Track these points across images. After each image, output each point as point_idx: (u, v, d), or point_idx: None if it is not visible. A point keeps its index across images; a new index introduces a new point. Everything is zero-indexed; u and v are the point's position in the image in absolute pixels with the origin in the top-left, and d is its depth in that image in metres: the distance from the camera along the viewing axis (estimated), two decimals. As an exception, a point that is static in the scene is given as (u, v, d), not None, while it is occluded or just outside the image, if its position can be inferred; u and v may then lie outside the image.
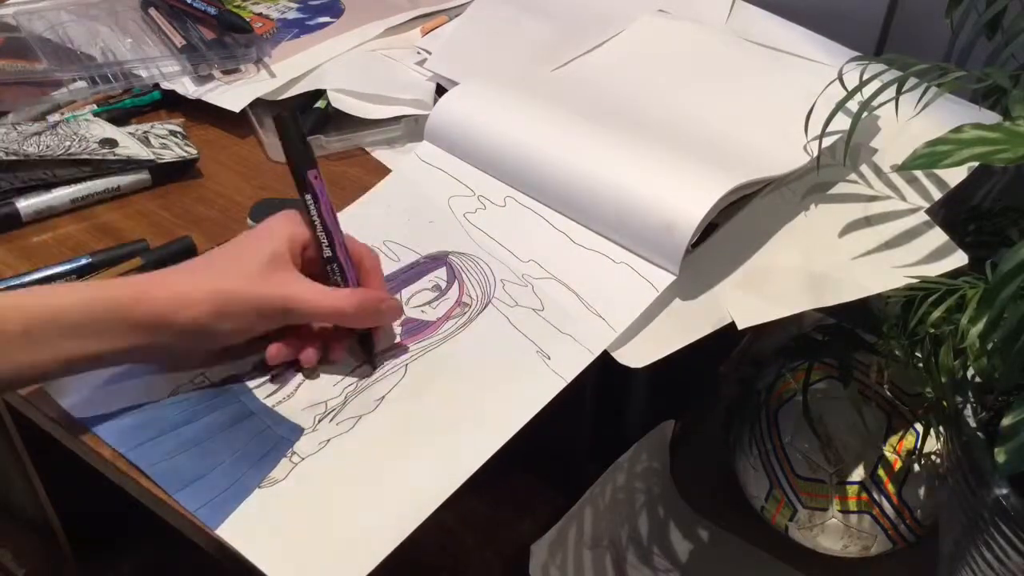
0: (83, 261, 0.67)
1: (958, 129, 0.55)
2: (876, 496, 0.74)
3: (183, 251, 0.69)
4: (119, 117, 0.83)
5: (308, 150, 0.60)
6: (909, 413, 0.75)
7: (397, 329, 0.62)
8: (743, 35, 0.84)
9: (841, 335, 0.72)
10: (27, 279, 0.66)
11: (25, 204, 0.72)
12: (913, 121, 0.69)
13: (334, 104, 0.83)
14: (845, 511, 0.74)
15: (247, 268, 0.55)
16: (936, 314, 0.56)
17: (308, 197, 0.59)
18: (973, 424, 0.57)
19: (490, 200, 0.70)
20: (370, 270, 0.60)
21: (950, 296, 0.57)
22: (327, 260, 0.59)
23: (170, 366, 0.59)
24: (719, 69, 0.81)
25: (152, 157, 0.76)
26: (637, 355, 0.60)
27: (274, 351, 0.58)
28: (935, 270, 0.61)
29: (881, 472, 0.74)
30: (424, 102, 0.83)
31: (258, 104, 0.84)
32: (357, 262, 0.60)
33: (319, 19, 0.96)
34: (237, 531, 0.51)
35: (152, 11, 0.93)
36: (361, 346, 0.60)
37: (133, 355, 0.55)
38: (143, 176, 0.76)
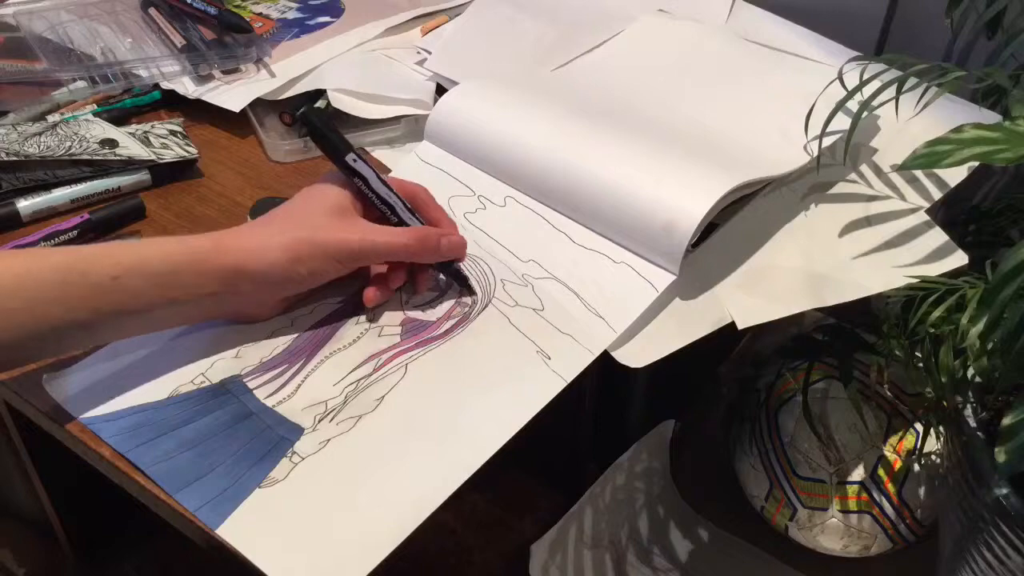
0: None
1: (958, 129, 0.55)
2: (876, 496, 0.74)
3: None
4: (119, 117, 0.83)
5: (339, 136, 0.63)
6: (909, 413, 0.75)
7: (397, 329, 0.62)
8: (743, 35, 0.84)
9: (841, 335, 0.72)
10: (30, 239, 0.68)
11: (25, 204, 0.72)
12: (913, 121, 0.69)
13: (334, 104, 0.83)
14: (845, 511, 0.74)
15: (315, 216, 0.60)
16: (936, 314, 0.56)
17: (356, 180, 0.62)
18: (973, 424, 0.57)
19: (490, 200, 0.70)
20: (424, 204, 0.65)
21: (950, 296, 0.57)
22: (397, 222, 0.63)
23: (245, 316, 0.61)
24: (719, 69, 0.81)
25: (152, 157, 0.76)
26: (637, 355, 0.60)
27: (371, 294, 0.62)
28: (935, 270, 0.61)
29: (881, 472, 0.74)
30: (424, 102, 0.83)
31: (258, 104, 0.84)
32: (411, 200, 0.64)
33: (319, 19, 0.96)
34: (237, 531, 0.51)
35: (152, 11, 0.93)
36: (450, 278, 0.64)
37: (213, 303, 0.58)
38: (143, 176, 0.76)
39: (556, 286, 0.64)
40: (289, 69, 0.87)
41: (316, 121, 0.63)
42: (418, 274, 0.64)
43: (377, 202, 0.63)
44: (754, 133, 0.72)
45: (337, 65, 0.88)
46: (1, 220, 0.71)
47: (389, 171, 0.76)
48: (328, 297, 0.63)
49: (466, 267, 0.65)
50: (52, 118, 0.81)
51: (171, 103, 0.86)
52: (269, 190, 0.77)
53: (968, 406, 0.58)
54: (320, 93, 0.85)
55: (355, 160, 0.62)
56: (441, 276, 0.65)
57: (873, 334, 0.68)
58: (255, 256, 0.57)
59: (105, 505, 0.91)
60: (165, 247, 0.56)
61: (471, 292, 0.64)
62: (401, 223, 0.63)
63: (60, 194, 0.73)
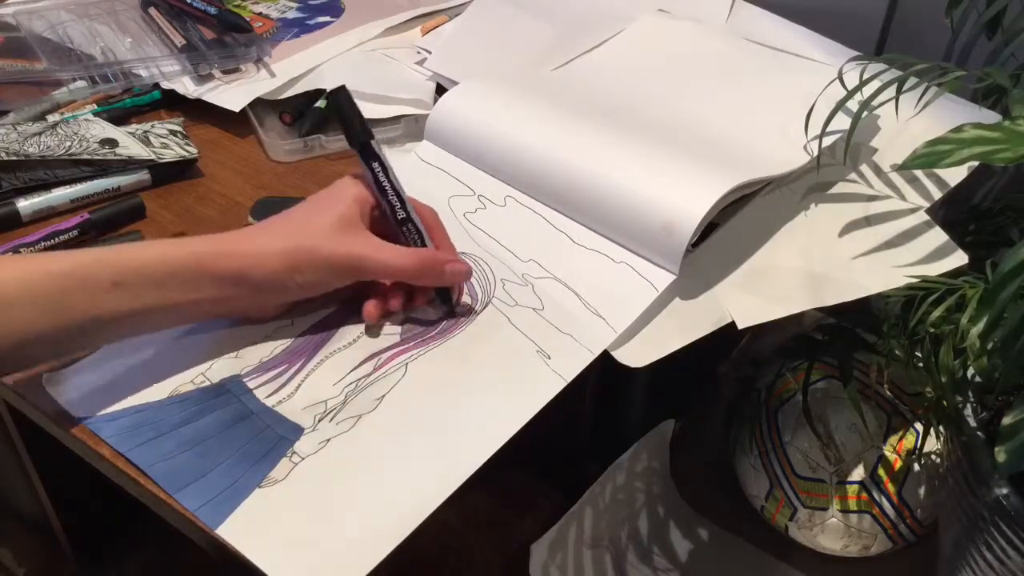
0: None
1: (958, 129, 0.55)
2: (876, 496, 0.74)
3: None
4: (119, 117, 0.83)
5: (363, 121, 0.63)
6: (909, 413, 0.75)
7: (397, 329, 0.62)
8: (743, 35, 0.84)
9: (841, 335, 0.72)
10: (31, 238, 0.68)
11: (25, 204, 0.72)
12: (913, 121, 0.69)
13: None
14: (845, 511, 0.75)
15: (319, 226, 0.59)
16: (936, 314, 0.56)
17: (376, 165, 0.62)
18: (973, 424, 0.57)
19: (490, 200, 0.70)
20: (432, 227, 0.64)
21: (950, 296, 0.57)
22: (400, 222, 0.62)
23: (244, 319, 0.61)
24: (719, 69, 0.81)
25: (152, 157, 0.76)
26: (637, 355, 0.60)
27: (371, 308, 0.62)
28: (935, 270, 0.61)
29: (881, 472, 0.74)
30: (424, 102, 0.83)
31: (258, 104, 0.84)
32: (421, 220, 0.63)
33: (319, 19, 0.96)
34: (237, 531, 0.51)
35: (152, 10, 0.93)
36: (439, 298, 0.63)
37: (211, 306, 0.58)
38: (143, 176, 0.76)
39: (556, 286, 0.64)
40: (289, 69, 0.87)
41: (345, 102, 0.62)
42: (417, 293, 0.64)
43: (389, 192, 0.62)
44: (754, 133, 0.72)
45: (337, 65, 0.88)
46: (1, 220, 0.71)
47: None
48: (328, 298, 0.63)
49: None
50: (52, 118, 0.81)
51: (171, 103, 0.86)
52: (269, 190, 0.77)
53: (968, 406, 0.58)
54: (320, 93, 0.85)
55: (376, 146, 0.62)
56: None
57: (873, 334, 0.68)
58: (254, 263, 0.57)
59: (105, 505, 0.91)
60: (165, 251, 0.56)
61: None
62: (407, 220, 0.62)
63: (60, 194, 0.73)
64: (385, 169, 0.62)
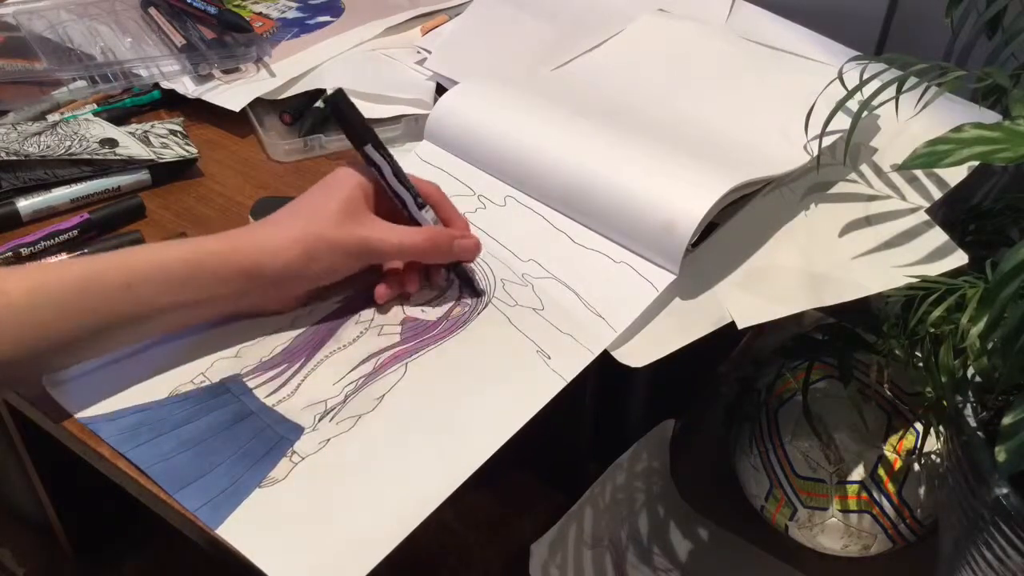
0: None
1: (958, 128, 0.55)
2: (876, 495, 0.74)
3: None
4: (119, 117, 0.83)
5: (363, 125, 0.63)
6: (909, 413, 0.75)
7: (397, 328, 0.62)
8: (743, 34, 0.84)
9: (841, 335, 0.72)
10: (30, 238, 0.68)
11: (25, 204, 0.72)
12: (913, 121, 0.69)
13: (334, 104, 0.83)
14: (845, 510, 0.75)
15: (327, 214, 0.59)
16: (936, 314, 0.56)
17: (373, 170, 0.62)
18: (973, 424, 0.57)
19: (490, 200, 0.70)
20: (438, 203, 0.64)
21: (950, 296, 0.57)
22: (418, 207, 0.63)
23: (262, 312, 0.61)
24: (719, 68, 0.81)
25: (152, 157, 0.76)
26: (637, 355, 0.60)
27: (382, 291, 0.62)
28: (935, 270, 0.61)
29: (881, 471, 0.74)
30: (424, 101, 0.83)
31: (258, 103, 0.84)
32: (425, 198, 0.63)
33: (319, 18, 0.96)
34: (237, 531, 0.51)
35: (152, 10, 0.93)
36: (458, 278, 0.64)
37: (227, 304, 0.58)
38: (143, 176, 0.76)
39: (556, 286, 0.64)
40: (289, 69, 0.87)
41: (343, 105, 0.63)
42: (432, 272, 0.65)
43: (391, 193, 0.62)
44: (754, 133, 0.72)
45: (337, 65, 0.88)
46: (1, 220, 0.71)
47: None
48: (330, 296, 0.63)
49: (473, 267, 0.65)
50: (52, 117, 0.81)
51: (171, 102, 0.86)
52: (269, 190, 0.77)
53: (968, 406, 0.58)
54: (320, 93, 0.85)
55: (377, 147, 0.62)
56: (427, 288, 0.65)
57: (873, 334, 0.68)
58: (271, 255, 0.57)
59: (105, 505, 0.91)
60: (182, 251, 0.56)
61: (476, 293, 0.64)
62: (411, 219, 0.63)
63: (60, 194, 0.73)
64: (383, 174, 0.62)
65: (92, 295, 0.53)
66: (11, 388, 0.58)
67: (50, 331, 0.52)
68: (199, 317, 0.59)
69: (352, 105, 0.63)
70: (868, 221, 0.66)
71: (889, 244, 0.64)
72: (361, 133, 0.63)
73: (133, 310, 0.54)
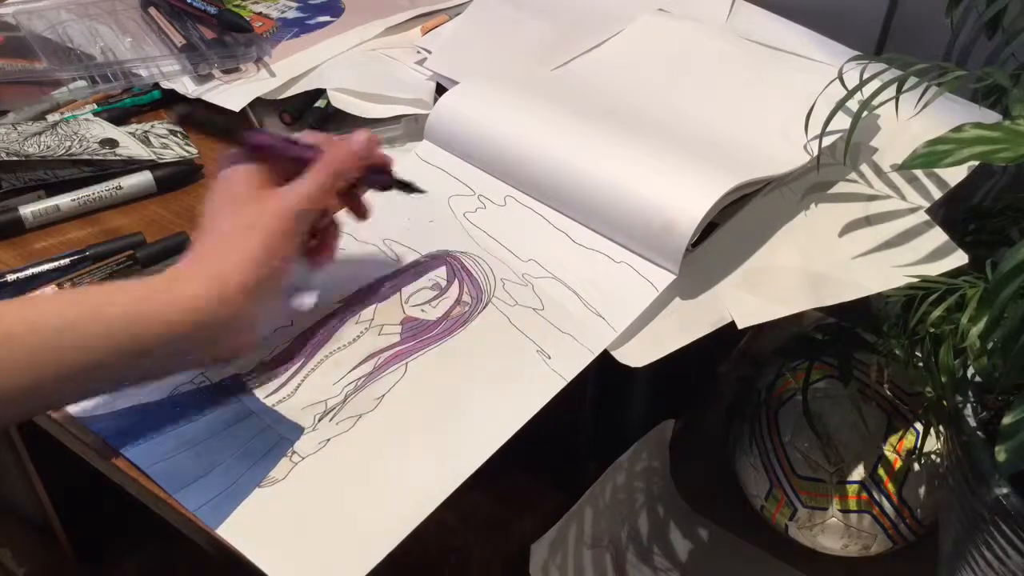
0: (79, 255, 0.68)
1: (958, 128, 0.55)
2: (876, 495, 0.74)
3: (177, 247, 0.69)
4: (119, 117, 0.83)
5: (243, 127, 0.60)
6: (909, 413, 0.75)
7: (397, 328, 0.62)
8: (743, 34, 0.84)
9: (841, 335, 0.72)
10: (25, 273, 0.66)
11: (28, 211, 0.72)
12: (913, 121, 0.69)
13: (334, 103, 0.83)
14: (845, 510, 0.75)
15: (240, 226, 0.55)
16: (936, 313, 0.56)
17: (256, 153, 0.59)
18: (973, 423, 0.57)
19: (490, 199, 0.70)
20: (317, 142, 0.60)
21: (950, 295, 0.57)
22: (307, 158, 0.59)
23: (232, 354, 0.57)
24: (719, 68, 0.81)
25: (152, 157, 0.76)
26: (637, 355, 0.60)
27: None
28: (935, 270, 0.61)
29: (881, 471, 0.74)
30: (424, 101, 0.83)
31: (258, 103, 0.84)
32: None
33: (319, 18, 0.96)
34: (237, 531, 0.51)
35: (152, 10, 0.93)
36: (397, 188, 0.63)
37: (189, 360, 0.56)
38: (147, 179, 0.76)
39: (556, 285, 0.64)
40: (289, 69, 0.87)
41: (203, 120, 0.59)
42: (358, 200, 0.62)
43: (287, 161, 0.59)
44: (754, 133, 0.72)
45: (337, 65, 0.88)
46: (5, 226, 0.71)
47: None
48: (329, 296, 0.63)
49: (465, 269, 0.65)
50: (52, 118, 0.81)
51: (171, 102, 0.86)
52: (269, 190, 0.77)
53: (968, 406, 0.58)
54: (320, 93, 0.85)
55: (249, 139, 0.59)
56: (426, 256, 0.65)
57: (873, 334, 0.68)
58: (213, 303, 0.52)
59: (105, 505, 0.91)
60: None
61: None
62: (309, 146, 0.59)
63: (63, 199, 0.72)
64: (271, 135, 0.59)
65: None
66: None
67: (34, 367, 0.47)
68: (165, 372, 0.56)
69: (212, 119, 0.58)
70: (868, 221, 0.66)
71: (889, 244, 0.64)
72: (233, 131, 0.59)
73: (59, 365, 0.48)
